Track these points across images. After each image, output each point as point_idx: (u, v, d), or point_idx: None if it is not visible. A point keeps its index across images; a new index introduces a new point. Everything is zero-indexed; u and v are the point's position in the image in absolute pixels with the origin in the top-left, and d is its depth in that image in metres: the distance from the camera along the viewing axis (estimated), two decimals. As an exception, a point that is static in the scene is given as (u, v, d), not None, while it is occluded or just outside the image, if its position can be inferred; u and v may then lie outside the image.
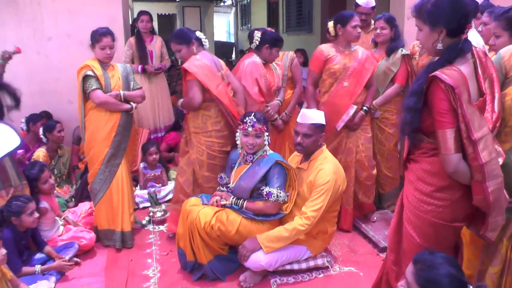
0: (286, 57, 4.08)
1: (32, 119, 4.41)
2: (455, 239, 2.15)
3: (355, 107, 3.60)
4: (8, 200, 2.98)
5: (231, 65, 11.24)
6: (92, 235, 3.43)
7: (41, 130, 4.23)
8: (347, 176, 3.57)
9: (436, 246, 2.04)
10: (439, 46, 1.94)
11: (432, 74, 1.86)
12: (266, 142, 3.09)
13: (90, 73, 3.35)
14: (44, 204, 3.33)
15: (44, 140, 4.24)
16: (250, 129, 3.02)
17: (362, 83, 3.59)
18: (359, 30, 3.51)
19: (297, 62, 4.13)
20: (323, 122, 3.06)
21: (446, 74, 1.82)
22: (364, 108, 3.67)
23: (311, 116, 3.02)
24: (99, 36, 3.37)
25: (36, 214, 3.03)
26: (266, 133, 3.08)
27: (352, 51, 3.64)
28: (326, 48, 3.66)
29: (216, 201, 3.09)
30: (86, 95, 3.39)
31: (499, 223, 1.95)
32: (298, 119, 3.07)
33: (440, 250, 1.99)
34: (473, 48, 1.99)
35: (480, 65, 1.96)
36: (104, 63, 3.46)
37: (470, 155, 1.85)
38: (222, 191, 3.22)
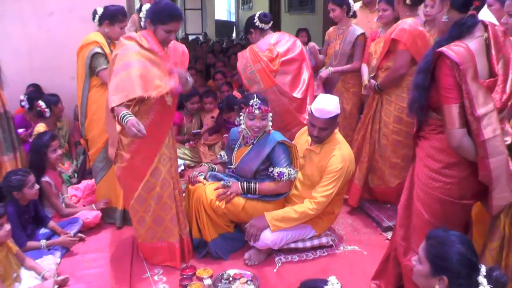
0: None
1: (35, 97, 4.34)
2: (465, 217, 2.17)
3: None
4: (6, 175, 2.97)
5: (232, 43, 11.17)
6: (96, 213, 3.41)
7: (43, 104, 4.18)
8: (364, 151, 3.63)
9: (445, 223, 2.08)
10: (444, 18, 1.98)
11: (439, 50, 1.90)
12: (270, 123, 3.06)
13: (99, 50, 3.28)
14: (46, 178, 3.32)
15: (48, 114, 4.18)
16: (257, 111, 2.96)
17: (381, 56, 3.57)
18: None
19: None
20: (338, 111, 2.98)
21: (452, 50, 1.86)
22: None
23: (328, 109, 2.89)
24: (123, 17, 3.37)
25: (37, 186, 3.02)
26: (270, 114, 3.05)
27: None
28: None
29: (193, 177, 3.08)
30: (92, 72, 3.32)
31: (507, 199, 1.97)
32: (315, 113, 2.93)
33: (449, 227, 2.02)
34: (490, 26, 1.98)
35: (495, 45, 1.95)
36: (108, 40, 3.40)
37: (474, 131, 1.89)
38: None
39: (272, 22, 3.82)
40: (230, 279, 2.77)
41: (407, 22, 3.33)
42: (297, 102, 3.64)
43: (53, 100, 4.26)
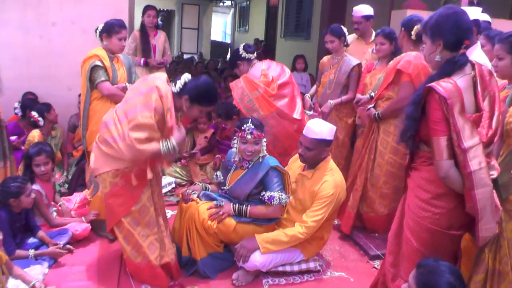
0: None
1: (28, 106, 4.35)
2: (453, 247, 2.24)
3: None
4: (4, 182, 2.97)
5: (226, 64, 11.31)
6: (86, 225, 3.40)
7: (35, 114, 4.17)
8: (358, 180, 3.67)
9: (433, 252, 2.15)
10: (437, 58, 2.10)
11: (428, 85, 2.01)
12: (263, 148, 3.09)
13: (99, 63, 3.37)
14: (37, 187, 3.32)
15: (41, 123, 4.19)
16: (249, 136, 2.99)
17: (382, 86, 3.60)
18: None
19: None
20: (329, 138, 3.02)
21: (441, 86, 1.96)
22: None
23: (316, 131, 2.97)
24: (119, 28, 3.44)
25: (33, 195, 3.04)
26: (264, 139, 3.08)
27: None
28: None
29: (187, 195, 3.11)
30: (92, 85, 3.39)
31: (492, 231, 2.04)
32: (304, 130, 3.04)
33: (437, 256, 2.09)
34: (476, 65, 2.09)
35: (481, 83, 2.07)
36: (112, 55, 3.47)
37: (461, 163, 1.97)
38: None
39: (256, 52, 3.94)
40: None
41: (412, 55, 3.40)
42: (298, 123, 3.70)
43: (45, 108, 4.28)
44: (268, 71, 3.80)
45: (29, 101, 4.46)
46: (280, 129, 3.63)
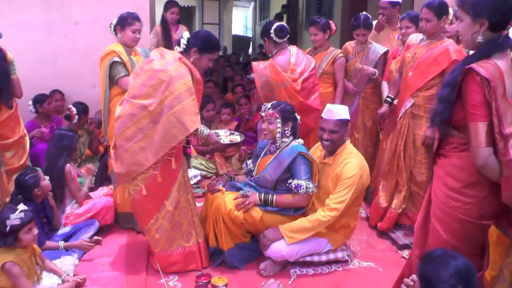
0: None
1: (39, 101, 4.45)
2: (482, 237, 2.13)
3: (413, 101, 3.35)
4: (18, 180, 3.02)
5: (248, 58, 11.29)
6: (106, 198, 3.49)
7: (74, 110, 4.28)
8: (400, 180, 3.52)
9: (462, 243, 2.06)
10: (479, 38, 1.93)
11: (468, 66, 1.87)
12: (279, 130, 3.03)
13: (117, 59, 3.38)
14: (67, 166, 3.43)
15: (75, 120, 4.30)
16: (263, 114, 3.08)
17: (426, 76, 3.26)
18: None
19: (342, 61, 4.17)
20: (348, 117, 3.03)
21: (482, 67, 1.84)
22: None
23: (337, 112, 2.98)
24: (132, 19, 3.44)
25: (46, 177, 3.10)
26: (278, 120, 3.02)
27: (433, 42, 3.29)
28: (413, 36, 3.58)
29: (212, 185, 3.15)
30: (112, 81, 3.42)
31: None
32: (324, 115, 3.02)
33: (466, 247, 2.03)
34: None
35: None
36: (128, 48, 3.49)
37: (500, 150, 1.85)
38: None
39: (288, 36, 3.80)
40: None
41: (451, 42, 3.26)
42: (317, 113, 3.71)
43: (84, 110, 4.41)
44: (295, 66, 3.75)
45: (41, 96, 4.51)
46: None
